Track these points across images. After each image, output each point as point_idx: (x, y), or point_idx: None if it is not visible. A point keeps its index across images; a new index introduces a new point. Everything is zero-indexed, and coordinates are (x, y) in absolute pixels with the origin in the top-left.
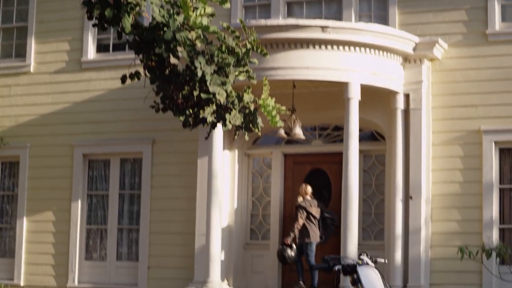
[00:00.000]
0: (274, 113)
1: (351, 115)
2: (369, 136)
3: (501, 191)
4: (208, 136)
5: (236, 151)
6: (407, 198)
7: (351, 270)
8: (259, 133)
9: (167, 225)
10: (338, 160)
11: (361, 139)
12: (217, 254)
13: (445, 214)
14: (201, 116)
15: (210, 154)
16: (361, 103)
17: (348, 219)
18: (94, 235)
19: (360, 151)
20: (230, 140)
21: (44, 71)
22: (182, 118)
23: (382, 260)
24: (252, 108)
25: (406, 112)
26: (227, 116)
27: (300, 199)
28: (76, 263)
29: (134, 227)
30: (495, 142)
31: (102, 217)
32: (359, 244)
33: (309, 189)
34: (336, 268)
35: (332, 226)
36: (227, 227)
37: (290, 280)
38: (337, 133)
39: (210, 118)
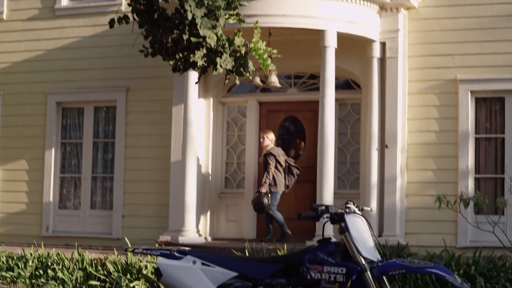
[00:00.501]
0: (265, 56)
1: (327, 64)
2: (344, 84)
3: (477, 140)
4: (198, 81)
5: (211, 99)
6: (382, 147)
7: (339, 218)
8: (250, 77)
9: (142, 173)
10: (313, 108)
11: (337, 87)
12: (192, 203)
13: (421, 163)
14: (191, 60)
15: (186, 102)
16: (337, 52)
17: (324, 168)
18: (68, 184)
19: (336, 100)
20: (205, 88)
21: (17, 18)
22: (171, 63)
23: (369, 209)
24: (243, 51)
25: (382, 60)
26: (218, 60)
27: (269, 145)
28: (50, 212)
29: (108, 176)
30: (471, 92)
31: (76, 166)
32: (334, 193)
33: (272, 136)
34: (325, 216)
35: (296, 175)
36: (202, 175)
37: (265, 229)
38: (313, 81)
39: (200, 62)
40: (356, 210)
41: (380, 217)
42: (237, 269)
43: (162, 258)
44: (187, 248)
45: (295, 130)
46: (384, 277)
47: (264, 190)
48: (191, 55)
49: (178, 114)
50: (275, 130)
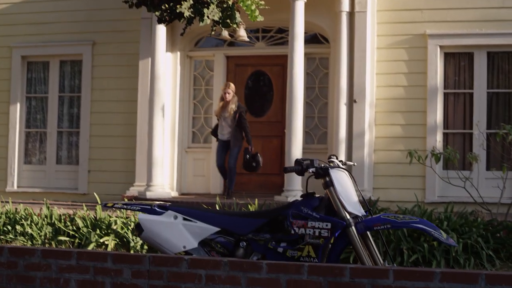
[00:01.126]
0: (253, 7)
1: (296, 17)
2: (312, 39)
3: (446, 95)
4: (184, 32)
5: (178, 53)
6: (351, 101)
7: (324, 173)
8: (237, 28)
9: (108, 128)
10: (280, 62)
11: (305, 42)
12: (159, 158)
13: (389, 118)
14: (177, 11)
15: (153, 55)
16: (306, 6)
17: (293, 122)
18: (34, 138)
19: (304, 54)
20: (172, 42)
21: None
22: (157, 14)
23: (352, 163)
24: (230, 2)
25: (351, 15)
26: (205, 10)
27: (233, 99)
28: (15, 167)
29: (74, 130)
30: (440, 46)
31: (41, 120)
32: (302, 148)
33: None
34: (310, 170)
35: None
36: (169, 130)
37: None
38: (281, 35)
39: (187, 13)
40: (340, 164)
41: (348, 172)
42: (219, 224)
43: (143, 214)
44: (167, 203)
45: (263, 84)
46: (368, 232)
47: (253, 150)
48: (178, 6)
49: (144, 68)
50: (243, 84)
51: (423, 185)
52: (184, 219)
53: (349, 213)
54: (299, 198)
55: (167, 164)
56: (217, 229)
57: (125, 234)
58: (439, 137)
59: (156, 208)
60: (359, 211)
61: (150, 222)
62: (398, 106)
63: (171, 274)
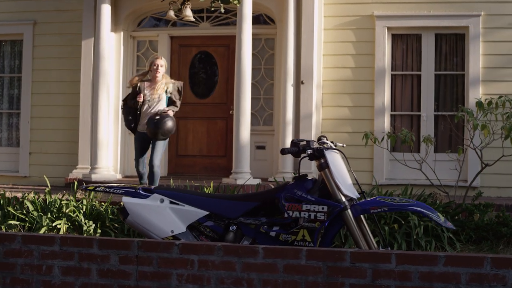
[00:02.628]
0: None
1: None
2: (258, 19)
3: (393, 77)
4: (181, 8)
5: (122, 33)
6: (298, 83)
7: (319, 154)
8: (238, 4)
9: (50, 109)
10: (226, 43)
11: None
12: (105, 139)
13: (337, 100)
14: None
15: (98, 35)
16: None
17: (242, 103)
18: None
19: None
20: (115, 22)
21: None
22: None
23: (341, 145)
24: None
25: None
26: None
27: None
28: None
29: (14, 112)
30: (388, 28)
31: None
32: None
33: None
34: (308, 152)
35: None
36: (113, 111)
37: (176, 166)
38: (226, 15)
39: None
40: (333, 145)
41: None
42: (208, 207)
43: (127, 197)
44: (152, 186)
45: (207, 65)
46: (361, 216)
47: (171, 113)
48: None
49: (87, 48)
50: (187, 65)
51: (371, 167)
52: (171, 202)
53: (345, 196)
54: (291, 181)
55: (111, 146)
56: (206, 212)
57: (77, 218)
58: (386, 119)
59: (141, 191)
60: (354, 193)
61: (135, 206)
62: (346, 87)
63: (161, 260)
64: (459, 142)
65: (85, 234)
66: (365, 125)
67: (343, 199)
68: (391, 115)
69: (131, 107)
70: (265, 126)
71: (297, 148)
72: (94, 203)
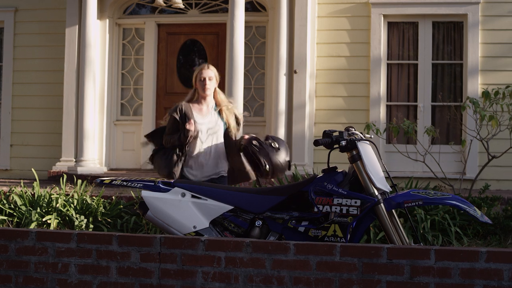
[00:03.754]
0: None
1: None
2: (249, 6)
3: (389, 66)
4: None
5: (107, 21)
6: (290, 72)
7: (351, 146)
8: None
9: (32, 99)
10: (215, 31)
11: None
12: (91, 131)
13: (331, 90)
14: None
15: (84, 22)
16: None
17: (234, 93)
18: None
19: None
20: (100, 9)
21: None
22: None
23: (369, 136)
24: None
25: None
26: None
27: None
28: None
29: None
30: (384, 15)
31: None
32: None
33: None
34: (342, 143)
35: None
36: (98, 101)
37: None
38: (215, 2)
39: None
40: (363, 136)
41: (288, 145)
42: (232, 201)
43: (147, 191)
44: (172, 180)
45: (196, 53)
46: (393, 210)
47: None
48: None
49: (72, 36)
50: (175, 54)
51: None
52: (193, 196)
53: (377, 189)
54: (320, 173)
55: (96, 138)
56: (230, 207)
57: (68, 212)
58: (382, 110)
59: (160, 185)
60: (386, 186)
61: (155, 200)
62: (340, 77)
63: (185, 257)
64: (458, 133)
65: (76, 229)
66: (360, 116)
67: (376, 192)
68: (387, 106)
69: (173, 145)
70: (256, 117)
71: (330, 139)
72: (85, 197)
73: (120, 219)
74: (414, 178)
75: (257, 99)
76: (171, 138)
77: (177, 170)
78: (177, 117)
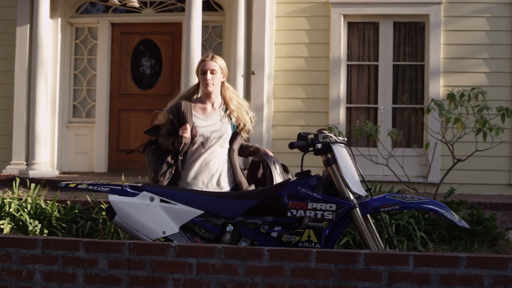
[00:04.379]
0: None
1: None
2: (205, 5)
3: (349, 67)
4: None
5: (59, 20)
6: (248, 73)
7: (326, 149)
8: None
9: None
10: (170, 30)
11: None
12: (43, 133)
13: (289, 91)
14: None
15: (36, 21)
16: None
17: None
18: None
19: None
20: (52, 8)
21: None
22: None
23: (342, 138)
24: None
25: None
26: None
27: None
28: None
29: None
30: (344, 15)
31: None
32: None
33: None
34: (318, 146)
35: None
36: (50, 103)
37: (117, 162)
38: (170, 1)
39: None
40: (337, 139)
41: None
42: (202, 206)
43: (114, 195)
44: (139, 184)
45: (151, 54)
46: (368, 215)
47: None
48: None
49: (23, 35)
50: (129, 54)
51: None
52: (162, 200)
53: (353, 193)
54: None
55: (47, 141)
56: (201, 212)
57: (21, 217)
58: (342, 112)
59: (128, 189)
60: (362, 191)
61: (123, 204)
62: (299, 78)
63: (155, 264)
64: (419, 136)
65: (30, 235)
66: (319, 118)
67: (351, 196)
68: (347, 108)
69: (167, 150)
70: None
71: (305, 142)
72: (39, 202)
73: (75, 224)
74: (377, 182)
75: None
76: (165, 141)
77: (164, 181)
78: (172, 118)
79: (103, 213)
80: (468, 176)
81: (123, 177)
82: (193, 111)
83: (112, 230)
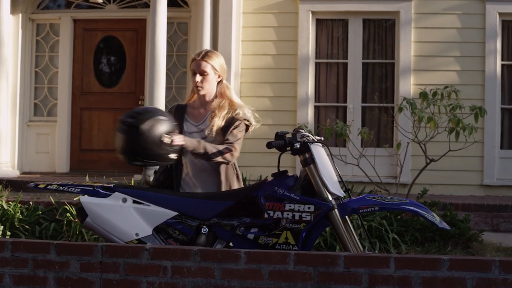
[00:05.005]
0: None
1: None
2: (169, 1)
3: (318, 65)
4: None
5: (20, 16)
6: None
7: (304, 148)
8: None
9: None
10: (134, 27)
11: None
12: (4, 132)
13: (256, 90)
14: None
15: None
16: None
17: (155, 93)
18: None
19: None
20: (13, 3)
21: None
22: None
23: (319, 138)
24: None
25: None
26: None
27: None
28: None
29: None
30: (312, 12)
31: None
32: None
33: None
34: (296, 146)
35: None
36: (10, 101)
37: (79, 162)
38: None
39: None
40: (315, 138)
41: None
42: (177, 207)
43: (85, 196)
44: (111, 184)
45: (114, 51)
46: (346, 216)
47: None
48: None
49: None
50: (92, 51)
51: (293, 162)
52: (135, 201)
53: (331, 194)
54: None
55: (8, 140)
56: (175, 213)
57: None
58: (310, 111)
59: (99, 190)
60: (340, 191)
61: (94, 206)
62: (266, 76)
63: (129, 267)
64: (389, 135)
65: None
66: (287, 117)
67: (330, 197)
68: (315, 107)
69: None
70: None
71: (283, 141)
72: (0, 202)
73: (38, 225)
74: (347, 182)
75: (178, 99)
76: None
77: (156, 179)
78: None
79: (68, 214)
80: (439, 177)
81: (87, 178)
82: (185, 115)
83: (77, 232)
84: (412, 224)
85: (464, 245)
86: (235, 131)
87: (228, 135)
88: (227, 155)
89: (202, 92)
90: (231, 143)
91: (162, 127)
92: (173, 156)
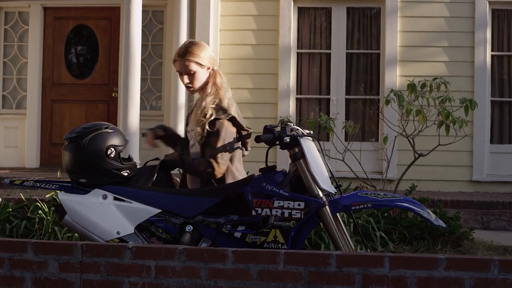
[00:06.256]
0: None
1: None
2: None
3: (299, 56)
4: None
5: None
6: None
7: (293, 142)
8: None
9: None
10: (108, 15)
11: None
12: None
13: (235, 81)
14: None
15: None
16: None
17: (130, 84)
18: None
19: None
20: None
21: None
22: None
23: (309, 131)
24: None
25: None
26: None
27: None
28: None
29: None
30: (294, 1)
31: None
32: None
33: None
34: (286, 140)
35: None
36: None
37: (50, 157)
38: None
39: None
40: (305, 132)
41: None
42: (160, 204)
43: (64, 193)
44: None
45: (86, 40)
46: (337, 214)
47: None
48: None
49: None
50: (63, 41)
51: (274, 157)
52: (116, 198)
53: (322, 190)
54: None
55: None
56: (158, 210)
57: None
58: (291, 103)
59: (78, 186)
60: (331, 188)
61: (73, 203)
62: (246, 67)
63: (110, 266)
64: (374, 129)
65: None
66: (268, 110)
67: (321, 194)
68: (297, 99)
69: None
70: (152, 111)
71: (272, 135)
72: None
73: (8, 223)
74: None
75: (153, 91)
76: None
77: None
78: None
79: (39, 211)
80: (426, 172)
81: (58, 173)
82: (190, 115)
83: (49, 230)
84: (400, 222)
85: (454, 244)
86: (212, 140)
87: (206, 147)
88: (206, 173)
89: (194, 90)
90: (209, 158)
91: (108, 140)
92: (125, 173)
